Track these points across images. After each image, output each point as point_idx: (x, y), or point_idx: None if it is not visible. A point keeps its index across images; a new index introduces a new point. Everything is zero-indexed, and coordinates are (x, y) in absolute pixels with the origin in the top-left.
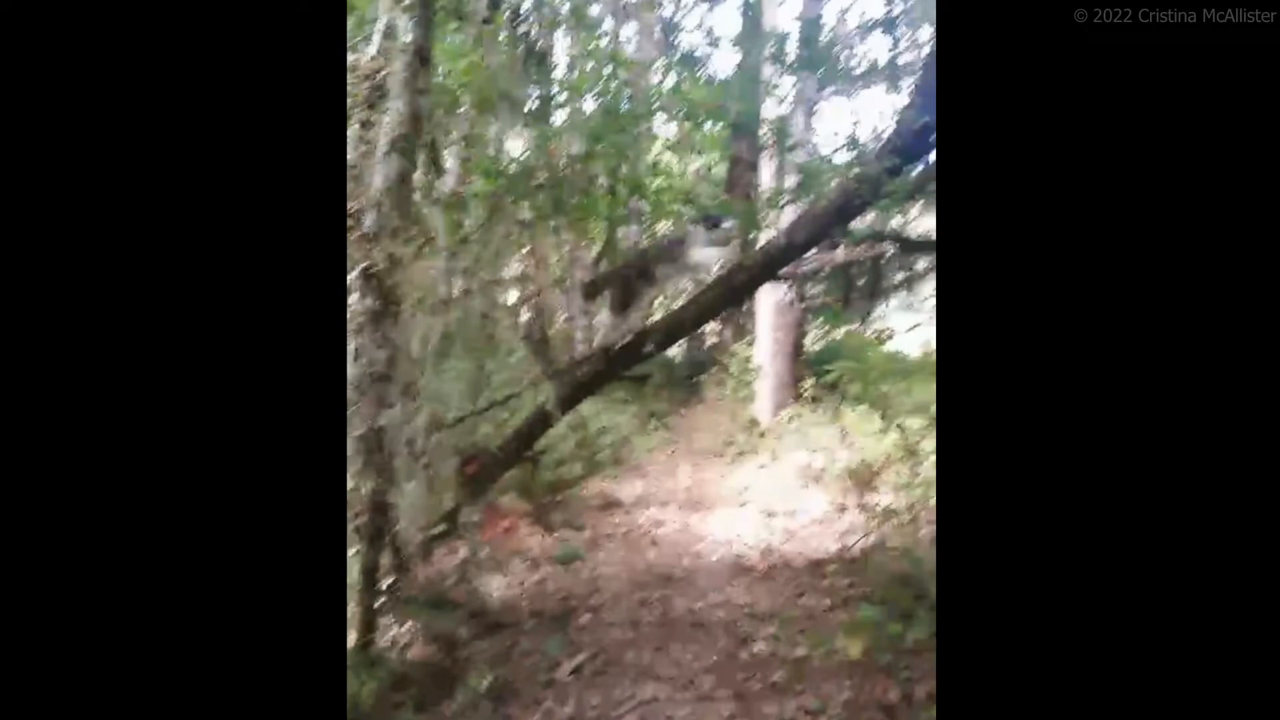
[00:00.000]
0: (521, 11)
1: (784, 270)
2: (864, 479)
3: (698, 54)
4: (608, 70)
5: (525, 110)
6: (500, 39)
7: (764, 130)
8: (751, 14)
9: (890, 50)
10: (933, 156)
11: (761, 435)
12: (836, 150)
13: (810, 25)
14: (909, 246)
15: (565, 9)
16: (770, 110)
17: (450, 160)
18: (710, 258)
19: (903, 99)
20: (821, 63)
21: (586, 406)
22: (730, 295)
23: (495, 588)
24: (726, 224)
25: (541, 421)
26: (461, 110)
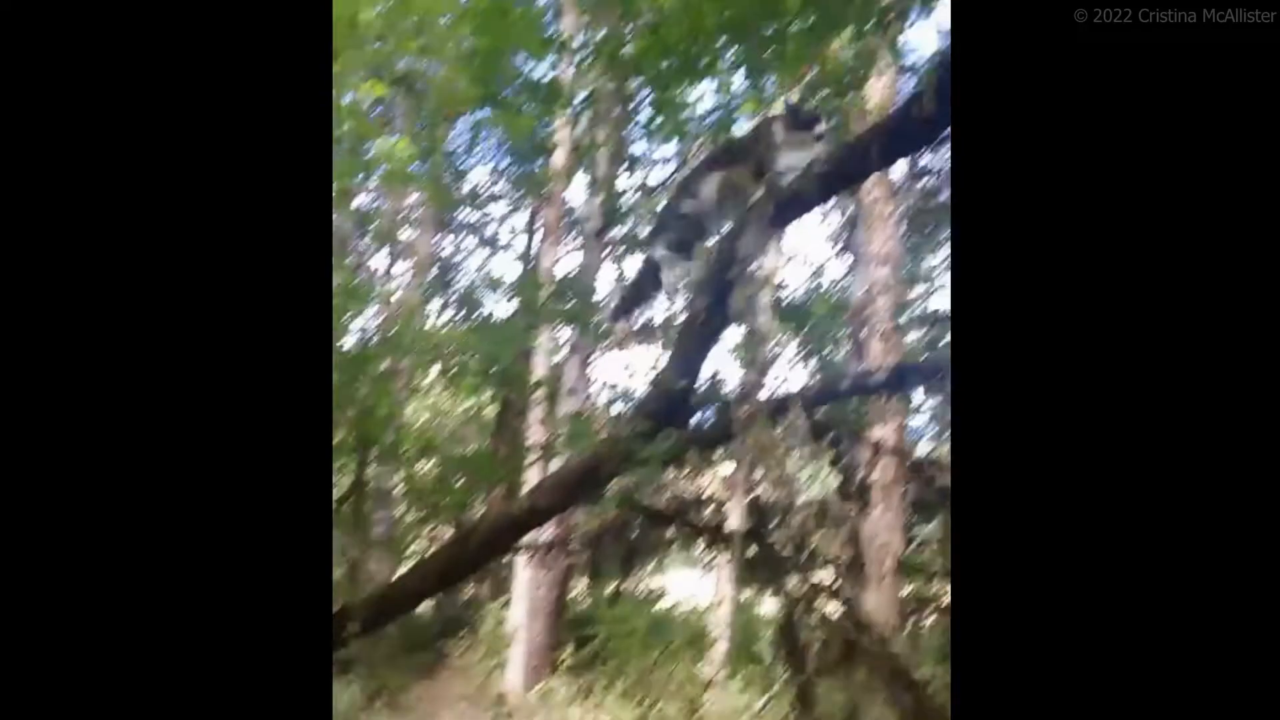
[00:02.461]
0: None
1: (525, 540)
2: None
3: (475, 295)
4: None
5: None
6: None
7: (534, 378)
8: (531, 263)
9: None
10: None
11: (508, 717)
12: (611, 402)
13: (581, 277)
14: (656, 519)
15: None
16: (542, 359)
17: None
18: None
19: (664, 359)
20: (591, 315)
21: None
22: (469, 563)
23: None
24: None
25: None
26: None
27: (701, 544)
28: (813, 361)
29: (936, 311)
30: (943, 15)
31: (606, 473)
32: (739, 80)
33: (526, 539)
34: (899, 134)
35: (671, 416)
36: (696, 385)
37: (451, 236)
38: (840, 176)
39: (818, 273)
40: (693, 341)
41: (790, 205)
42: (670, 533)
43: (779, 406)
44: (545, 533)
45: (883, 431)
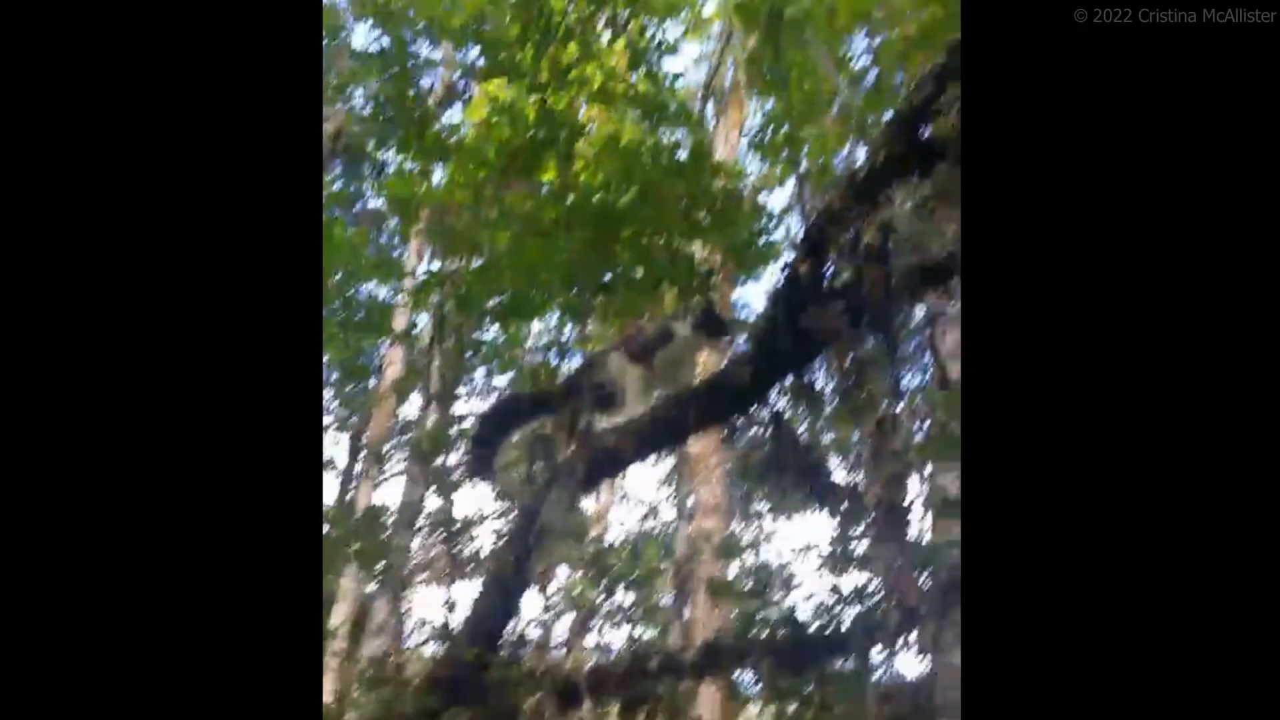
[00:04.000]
0: None
1: None
2: None
3: None
4: None
5: None
6: None
7: (337, 615)
8: (354, 485)
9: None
10: None
11: None
12: (425, 642)
13: (402, 505)
14: None
15: None
16: (351, 590)
17: None
18: None
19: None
20: (403, 548)
21: None
22: None
23: None
24: None
25: None
26: None
27: None
28: (628, 627)
29: (769, 566)
30: (770, 282)
31: None
32: (568, 323)
33: None
34: (720, 395)
35: (458, 693)
36: (500, 643)
37: None
38: (659, 437)
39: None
40: (497, 596)
41: (605, 463)
42: None
43: (594, 682)
44: None
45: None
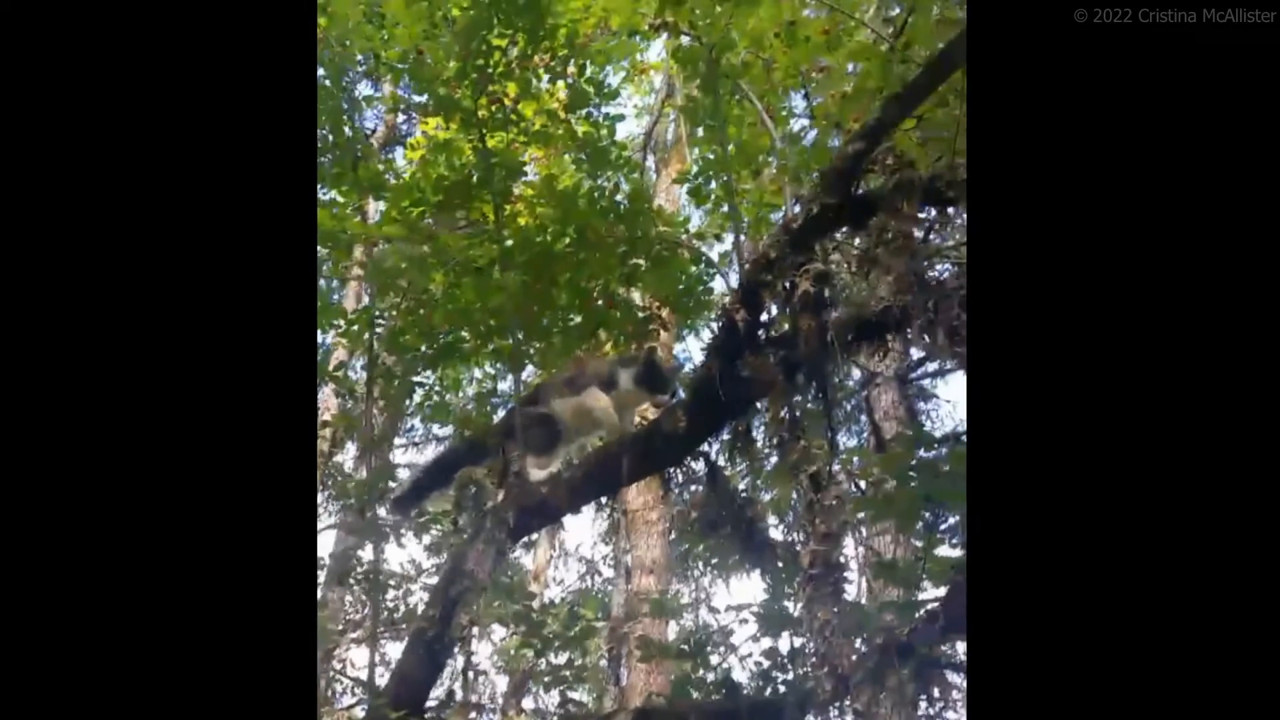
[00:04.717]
0: None
1: None
2: None
3: None
4: None
5: None
6: None
7: None
8: None
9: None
10: None
11: None
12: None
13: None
14: None
15: None
16: None
17: None
18: None
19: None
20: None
21: None
22: None
23: None
24: None
25: None
26: None
27: None
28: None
29: (707, 627)
30: (706, 335)
31: None
32: (501, 370)
33: None
34: (656, 445)
35: None
36: (426, 705)
37: None
38: (592, 487)
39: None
40: (422, 654)
41: (535, 512)
42: None
43: None
44: None
45: None
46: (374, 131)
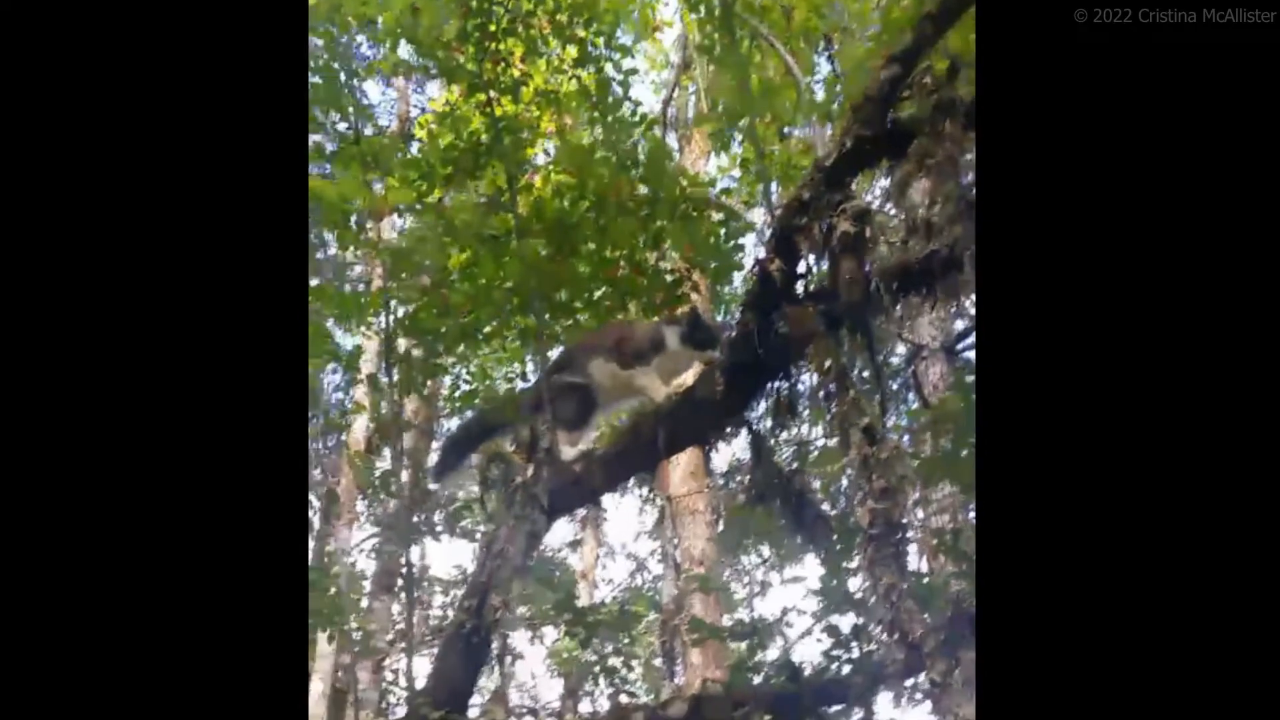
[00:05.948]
0: None
1: None
2: None
3: None
4: None
5: None
6: None
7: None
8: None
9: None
10: None
11: None
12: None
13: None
14: None
15: None
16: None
17: None
18: None
19: None
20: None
21: None
22: None
23: None
24: None
25: None
26: None
27: None
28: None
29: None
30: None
31: None
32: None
33: None
34: (690, 413)
35: None
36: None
37: None
38: (627, 462)
39: (639, 568)
40: (455, 656)
41: (570, 492)
42: None
43: None
44: None
45: None
46: (387, 128)
